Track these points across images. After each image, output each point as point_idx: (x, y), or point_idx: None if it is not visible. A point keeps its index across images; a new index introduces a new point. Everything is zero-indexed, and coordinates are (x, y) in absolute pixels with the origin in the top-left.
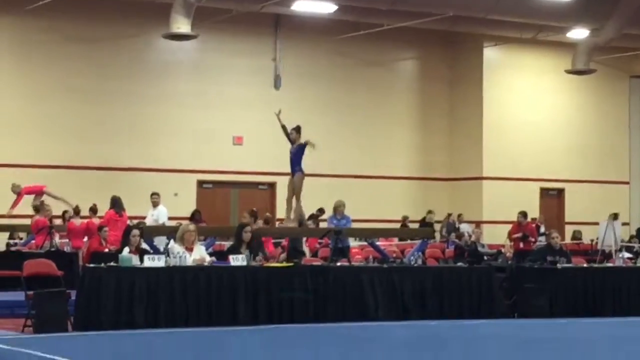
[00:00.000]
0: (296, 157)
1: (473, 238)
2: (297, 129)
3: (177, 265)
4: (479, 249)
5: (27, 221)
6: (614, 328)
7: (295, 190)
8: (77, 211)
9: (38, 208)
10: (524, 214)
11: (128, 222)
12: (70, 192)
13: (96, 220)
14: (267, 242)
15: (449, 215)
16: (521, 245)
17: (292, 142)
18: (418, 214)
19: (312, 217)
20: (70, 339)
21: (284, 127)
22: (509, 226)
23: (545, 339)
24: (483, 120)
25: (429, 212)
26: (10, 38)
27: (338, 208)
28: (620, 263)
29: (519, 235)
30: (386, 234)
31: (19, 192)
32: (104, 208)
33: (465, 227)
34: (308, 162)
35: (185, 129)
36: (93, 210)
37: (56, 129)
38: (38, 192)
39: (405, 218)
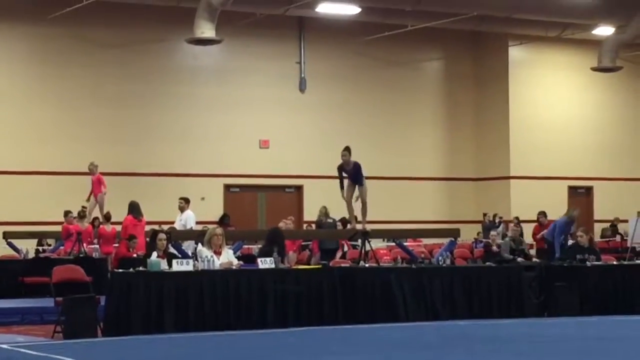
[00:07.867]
0: (357, 175)
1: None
2: (348, 149)
3: (205, 269)
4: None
5: (56, 228)
6: None
7: (362, 201)
8: (107, 217)
9: (80, 214)
10: (543, 214)
11: (157, 227)
12: None
13: (108, 227)
14: (294, 244)
15: (485, 215)
16: (546, 245)
17: (344, 164)
18: (445, 214)
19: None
20: (100, 345)
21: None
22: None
23: (576, 337)
24: (509, 119)
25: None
26: (34, 47)
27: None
28: None
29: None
30: (414, 234)
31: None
32: None
33: (501, 228)
34: (331, 165)
35: (211, 133)
36: (107, 217)
37: (84, 135)
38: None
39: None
